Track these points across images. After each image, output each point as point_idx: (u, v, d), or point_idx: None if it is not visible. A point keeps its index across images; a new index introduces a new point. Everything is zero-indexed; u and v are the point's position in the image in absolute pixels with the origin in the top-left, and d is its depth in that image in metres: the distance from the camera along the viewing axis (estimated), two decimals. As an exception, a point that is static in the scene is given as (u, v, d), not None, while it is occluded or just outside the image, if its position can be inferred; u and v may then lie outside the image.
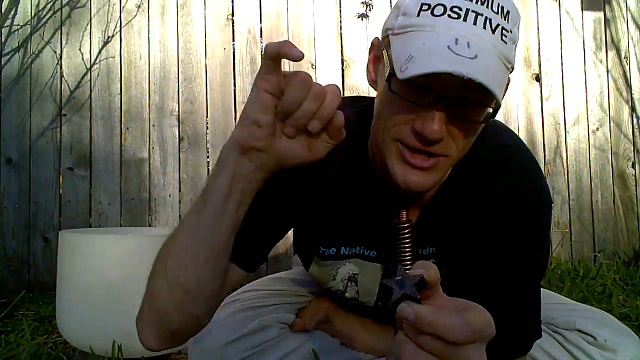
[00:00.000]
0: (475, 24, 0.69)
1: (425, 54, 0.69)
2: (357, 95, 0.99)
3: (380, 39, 0.82)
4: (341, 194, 0.91)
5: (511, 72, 0.76)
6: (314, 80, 0.63)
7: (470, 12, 0.70)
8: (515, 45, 0.75)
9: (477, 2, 0.70)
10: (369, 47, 0.85)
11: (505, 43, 0.71)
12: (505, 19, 0.71)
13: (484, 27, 0.70)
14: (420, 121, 0.72)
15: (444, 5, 0.70)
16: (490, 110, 0.74)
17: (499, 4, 0.71)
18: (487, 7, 0.70)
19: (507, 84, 0.80)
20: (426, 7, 0.71)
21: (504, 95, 0.80)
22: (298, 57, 0.60)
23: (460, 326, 0.50)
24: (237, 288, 1.18)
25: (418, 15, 0.71)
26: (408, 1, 0.74)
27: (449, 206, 0.89)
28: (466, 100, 0.71)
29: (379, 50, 0.82)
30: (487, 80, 0.67)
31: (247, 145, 0.67)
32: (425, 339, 0.50)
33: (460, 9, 0.70)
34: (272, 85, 0.63)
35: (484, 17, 0.70)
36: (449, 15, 0.70)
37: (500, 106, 0.74)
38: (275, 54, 0.61)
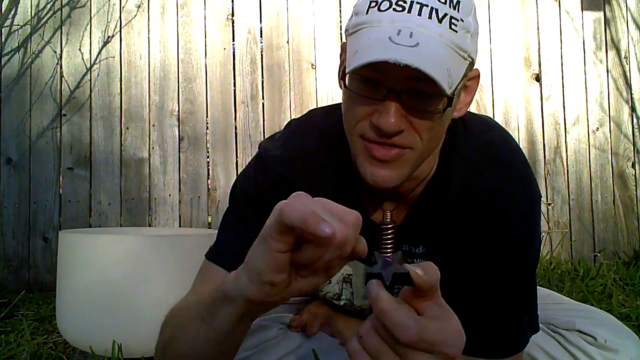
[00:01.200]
0: (420, 14, 0.71)
1: (368, 47, 0.71)
2: (331, 104, 1.01)
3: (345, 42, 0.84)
4: (328, 194, 0.91)
5: (471, 62, 0.77)
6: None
7: (414, 4, 0.71)
8: (471, 34, 0.75)
9: None
10: (340, 52, 0.87)
11: (455, 32, 0.72)
12: (455, 9, 0.72)
13: (430, 17, 0.71)
14: (377, 115, 0.74)
15: (389, 1, 0.72)
16: (446, 98, 0.74)
17: None
18: None
19: (477, 77, 0.81)
20: (374, 4, 0.73)
21: (475, 88, 0.82)
22: (328, 235, 0.50)
23: (411, 328, 0.50)
24: None
25: (367, 12, 0.74)
26: (359, 2, 0.77)
27: (436, 204, 0.89)
28: (418, 92, 0.72)
29: (345, 50, 0.84)
30: (425, 66, 0.68)
31: (260, 301, 0.60)
32: (378, 324, 0.51)
33: (405, 2, 0.72)
34: (287, 247, 0.55)
35: (429, 7, 0.71)
36: (394, 9, 0.72)
37: (453, 94, 0.74)
38: (296, 227, 0.52)
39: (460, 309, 0.90)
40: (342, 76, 0.79)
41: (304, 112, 1.01)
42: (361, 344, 0.53)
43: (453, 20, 0.72)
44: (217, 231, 0.99)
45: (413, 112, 0.74)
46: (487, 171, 0.86)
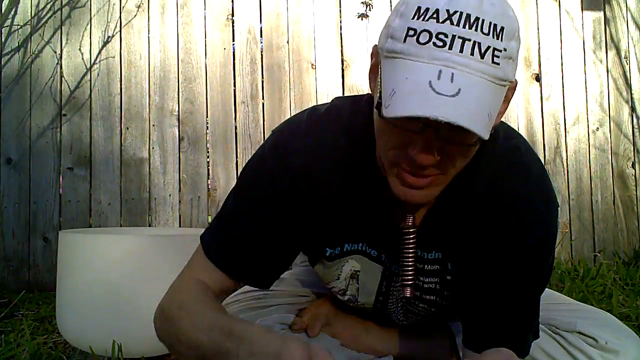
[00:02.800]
0: (461, 51, 0.67)
1: (406, 92, 0.67)
2: (354, 95, 0.98)
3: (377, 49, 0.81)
4: (348, 192, 0.90)
5: (513, 83, 0.75)
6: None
7: (456, 39, 0.67)
8: (514, 59, 0.72)
9: (465, 26, 0.67)
10: (370, 53, 0.83)
11: (498, 64, 0.68)
12: (498, 38, 0.68)
13: (472, 54, 0.67)
14: (413, 147, 0.72)
15: (429, 32, 0.68)
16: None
17: (490, 23, 0.68)
18: (477, 29, 0.67)
19: (514, 87, 0.78)
20: (412, 32, 0.69)
21: (511, 97, 0.79)
22: None
23: None
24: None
25: (404, 41, 0.69)
26: (397, 22, 0.71)
27: (456, 209, 0.88)
28: (456, 125, 0.70)
29: (376, 61, 0.81)
30: (465, 120, 0.65)
31: None
32: None
33: (446, 36, 0.67)
34: None
35: (471, 42, 0.67)
36: (434, 44, 0.67)
37: (500, 113, 0.73)
38: None
39: (469, 315, 0.91)
40: (376, 106, 0.74)
41: (329, 102, 0.95)
42: None
43: (496, 53, 0.68)
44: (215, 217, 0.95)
45: (449, 144, 0.72)
46: (512, 176, 0.85)
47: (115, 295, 1.41)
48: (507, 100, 0.79)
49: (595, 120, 2.93)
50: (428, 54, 0.68)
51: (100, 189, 2.58)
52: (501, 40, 0.68)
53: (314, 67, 2.71)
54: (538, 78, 2.89)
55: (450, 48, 0.67)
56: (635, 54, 2.98)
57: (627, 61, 2.97)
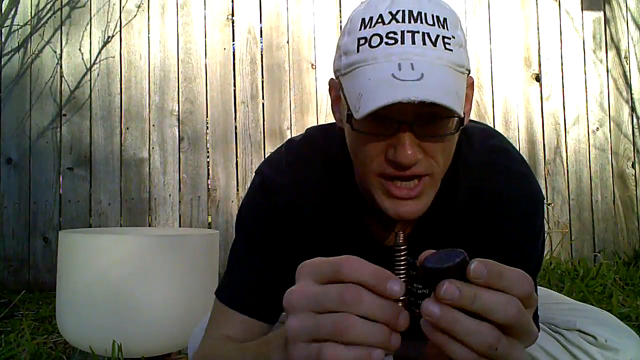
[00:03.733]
0: (414, 43, 0.69)
1: (372, 89, 0.68)
2: (327, 123, 1.00)
3: (335, 80, 0.82)
4: (336, 220, 0.91)
5: (468, 74, 0.76)
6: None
7: (406, 34, 0.69)
8: (464, 47, 0.74)
9: (410, 21, 0.70)
10: (328, 89, 0.85)
11: (451, 50, 0.71)
12: (443, 27, 0.71)
13: (424, 43, 0.69)
14: (392, 150, 0.72)
15: (379, 35, 0.70)
16: (457, 118, 0.72)
17: (432, 15, 0.71)
18: (422, 22, 0.70)
19: (472, 84, 0.80)
20: (363, 41, 0.71)
21: (472, 96, 0.80)
22: (396, 291, 0.51)
23: (523, 278, 0.48)
24: None
25: (358, 51, 0.72)
26: (345, 40, 0.74)
27: (442, 215, 0.88)
28: (428, 116, 0.70)
29: (337, 91, 0.82)
30: (436, 96, 0.65)
31: None
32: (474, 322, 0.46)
33: (396, 33, 0.69)
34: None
35: (420, 33, 0.70)
36: (386, 43, 0.70)
37: (465, 113, 0.73)
38: (361, 281, 0.51)
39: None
40: (347, 119, 0.75)
41: (302, 133, 0.98)
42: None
43: (446, 40, 0.71)
44: (225, 268, 0.96)
45: (426, 139, 0.72)
46: (491, 177, 0.86)
47: (115, 295, 1.41)
48: (469, 99, 0.80)
49: (595, 120, 2.93)
50: (383, 53, 0.70)
51: (100, 189, 2.58)
52: (447, 29, 0.71)
53: (314, 67, 2.71)
54: (538, 78, 2.89)
55: (403, 42, 0.69)
56: (635, 54, 2.98)
57: (627, 61, 2.97)
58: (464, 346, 0.47)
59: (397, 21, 0.70)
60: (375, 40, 0.70)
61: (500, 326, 0.47)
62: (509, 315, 0.46)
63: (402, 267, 0.91)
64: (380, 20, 0.71)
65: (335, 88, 0.83)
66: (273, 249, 0.90)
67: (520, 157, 0.91)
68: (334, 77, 0.81)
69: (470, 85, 0.79)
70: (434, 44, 0.70)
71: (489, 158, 0.87)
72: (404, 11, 0.71)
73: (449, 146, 0.76)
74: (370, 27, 0.71)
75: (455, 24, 0.73)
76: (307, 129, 0.98)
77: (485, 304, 0.46)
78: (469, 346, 0.46)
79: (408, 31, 0.69)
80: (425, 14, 0.71)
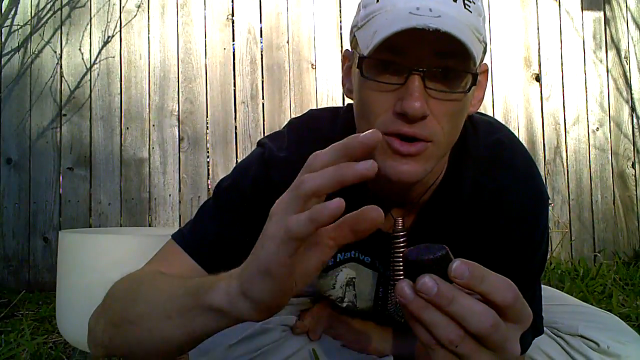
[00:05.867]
0: None
1: (388, 24, 0.67)
2: (332, 106, 0.98)
3: (350, 46, 0.81)
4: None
5: (485, 46, 0.75)
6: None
7: None
8: (482, 19, 0.73)
9: None
10: (341, 59, 0.84)
11: (470, 12, 0.70)
12: None
13: None
14: (400, 103, 0.70)
15: None
16: (470, 76, 0.71)
17: None
18: None
19: (486, 72, 0.79)
20: None
21: (485, 83, 0.79)
22: (371, 168, 0.47)
23: (505, 286, 0.45)
24: None
25: (378, 1, 0.71)
26: (365, 1, 0.74)
27: (445, 208, 0.88)
28: (442, 70, 0.69)
29: (350, 61, 0.81)
30: (454, 30, 0.65)
31: (259, 320, 0.56)
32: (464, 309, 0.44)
33: None
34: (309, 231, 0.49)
35: None
36: None
37: (478, 72, 0.72)
38: (326, 190, 0.49)
39: None
40: (358, 64, 0.73)
41: (304, 113, 0.97)
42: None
43: (466, 1, 0.70)
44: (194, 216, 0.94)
45: (437, 94, 0.70)
46: (496, 173, 0.85)
47: (116, 295, 1.41)
48: (481, 86, 0.79)
49: (595, 120, 2.93)
50: (403, 1, 0.68)
51: (100, 189, 2.58)
52: None
53: (314, 67, 2.71)
54: (538, 78, 2.89)
55: None
56: (635, 54, 2.98)
57: (627, 61, 2.97)
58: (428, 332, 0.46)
59: None
60: None
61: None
62: (481, 328, 0.44)
63: (399, 256, 0.90)
64: None
65: (349, 58, 0.81)
66: (248, 216, 0.87)
67: (526, 153, 0.89)
68: (349, 40, 0.80)
69: (484, 72, 0.78)
70: (454, 0, 0.69)
71: (494, 152, 0.86)
72: None
73: (457, 114, 0.74)
74: None
75: None
76: (309, 110, 0.97)
77: (460, 310, 0.44)
78: (433, 336, 0.46)
79: None
80: None
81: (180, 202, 2.62)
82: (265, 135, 1.06)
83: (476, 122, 0.87)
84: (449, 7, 0.68)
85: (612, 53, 2.96)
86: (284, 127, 0.95)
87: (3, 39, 2.56)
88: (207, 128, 2.68)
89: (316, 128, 0.91)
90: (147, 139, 2.63)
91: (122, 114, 2.62)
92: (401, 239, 0.88)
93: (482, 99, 0.82)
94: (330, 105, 2.66)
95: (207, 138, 2.67)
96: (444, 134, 0.74)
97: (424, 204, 0.86)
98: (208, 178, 2.66)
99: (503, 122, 1.00)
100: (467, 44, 0.65)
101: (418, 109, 0.68)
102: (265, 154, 0.90)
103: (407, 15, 0.66)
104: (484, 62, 0.78)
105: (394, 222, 0.88)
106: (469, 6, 0.70)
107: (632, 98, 2.96)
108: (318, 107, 1.00)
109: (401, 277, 0.89)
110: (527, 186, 0.86)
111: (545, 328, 1.02)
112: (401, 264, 0.89)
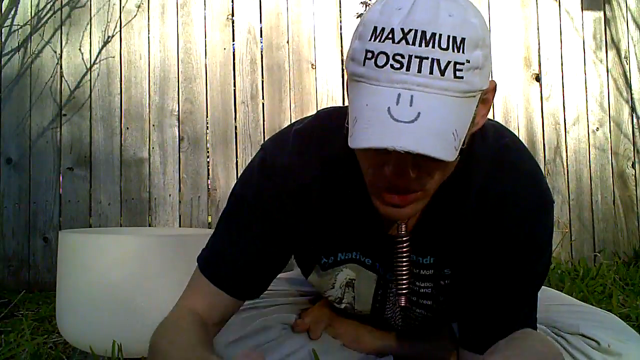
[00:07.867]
0: (420, 71, 0.66)
1: (366, 121, 0.66)
2: (340, 106, 0.98)
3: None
4: (337, 204, 0.91)
5: (490, 86, 0.74)
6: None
7: (413, 59, 0.65)
8: (480, 67, 0.69)
9: (421, 44, 0.66)
10: (343, 62, 0.85)
11: (461, 78, 0.67)
12: (459, 51, 0.66)
13: (431, 72, 0.65)
14: (389, 167, 0.71)
15: (386, 54, 0.67)
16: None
17: (448, 37, 0.66)
18: (434, 46, 0.66)
19: (494, 88, 0.77)
20: (370, 54, 0.68)
21: (492, 98, 0.79)
22: None
23: None
24: None
25: (364, 64, 0.69)
26: (356, 44, 0.71)
27: (448, 213, 0.88)
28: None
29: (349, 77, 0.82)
30: (427, 144, 0.64)
31: None
32: None
33: (403, 57, 0.66)
34: None
35: (429, 60, 0.65)
36: (392, 66, 0.66)
37: (484, 89, 0.72)
38: None
39: (465, 316, 0.91)
40: (345, 131, 0.73)
41: (310, 114, 0.97)
42: None
43: (458, 67, 0.66)
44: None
45: (424, 160, 0.69)
46: (501, 177, 0.85)
47: (115, 296, 1.41)
48: (487, 102, 0.78)
49: (595, 120, 2.93)
50: (386, 77, 0.67)
51: (100, 189, 2.58)
52: (463, 52, 0.67)
53: (314, 67, 2.71)
54: (538, 78, 2.89)
55: (408, 69, 0.66)
56: (635, 54, 2.98)
57: (627, 61, 2.97)
58: None
59: (407, 42, 0.66)
60: (382, 60, 0.67)
61: None
62: None
63: (404, 259, 0.91)
64: (390, 36, 0.67)
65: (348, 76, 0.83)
66: (258, 227, 0.90)
67: (531, 159, 0.90)
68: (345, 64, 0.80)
69: (492, 89, 0.77)
70: (442, 73, 0.66)
71: (501, 157, 0.86)
72: (416, 31, 0.66)
73: (448, 167, 0.76)
74: (380, 40, 0.68)
75: (476, 42, 0.68)
76: (319, 111, 0.96)
77: None
78: None
79: (416, 56, 0.66)
80: (440, 36, 0.66)
81: (180, 202, 2.62)
82: (268, 137, 1.06)
83: (485, 127, 0.86)
84: (434, 86, 0.66)
85: (612, 53, 2.96)
86: (286, 127, 0.96)
87: (3, 39, 2.56)
88: (207, 128, 2.68)
89: (320, 142, 0.90)
90: (147, 139, 2.62)
91: (122, 114, 2.62)
92: (404, 242, 0.88)
93: (487, 113, 0.80)
94: (330, 105, 2.66)
95: (207, 138, 2.67)
96: (436, 181, 0.76)
97: (428, 207, 0.86)
98: (208, 178, 2.66)
99: (503, 122, 1.00)
100: (438, 157, 0.64)
101: (405, 183, 0.71)
102: (266, 162, 0.91)
103: (384, 121, 0.65)
104: (491, 80, 0.76)
105: (397, 225, 0.88)
106: (460, 70, 0.67)
107: (632, 98, 2.96)
108: (326, 109, 0.98)
109: (404, 282, 0.90)
110: (532, 192, 0.86)
111: (545, 328, 1.02)
112: (405, 268, 0.89)
